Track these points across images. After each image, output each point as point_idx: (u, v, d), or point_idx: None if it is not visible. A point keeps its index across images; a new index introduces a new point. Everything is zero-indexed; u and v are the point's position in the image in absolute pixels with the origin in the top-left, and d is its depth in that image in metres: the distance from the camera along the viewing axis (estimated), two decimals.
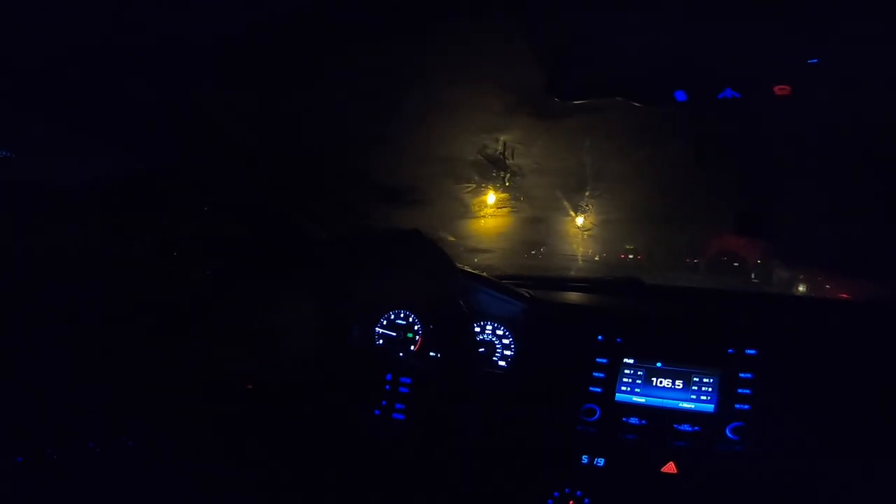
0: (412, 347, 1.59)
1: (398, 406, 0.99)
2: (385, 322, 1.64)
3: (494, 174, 1.63)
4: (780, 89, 0.73)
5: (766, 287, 1.70)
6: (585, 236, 1.88)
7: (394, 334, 1.62)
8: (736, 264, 1.83)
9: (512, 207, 1.79)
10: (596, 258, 1.99)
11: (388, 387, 1.01)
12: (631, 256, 2.03)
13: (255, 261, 1.35)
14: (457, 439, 0.96)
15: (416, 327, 1.61)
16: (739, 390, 1.16)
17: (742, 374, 1.17)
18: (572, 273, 1.91)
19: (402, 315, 1.63)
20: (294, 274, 1.13)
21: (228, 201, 1.37)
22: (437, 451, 0.95)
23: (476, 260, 1.82)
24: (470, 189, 1.70)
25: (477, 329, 1.56)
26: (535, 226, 1.92)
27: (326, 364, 1.08)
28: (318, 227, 1.45)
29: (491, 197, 1.76)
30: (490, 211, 1.79)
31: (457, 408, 0.99)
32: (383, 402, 1.00)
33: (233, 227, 1.44)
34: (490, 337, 1.54)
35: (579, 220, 1.83)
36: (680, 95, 0.78)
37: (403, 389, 1.00)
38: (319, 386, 1.03)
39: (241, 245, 1.39)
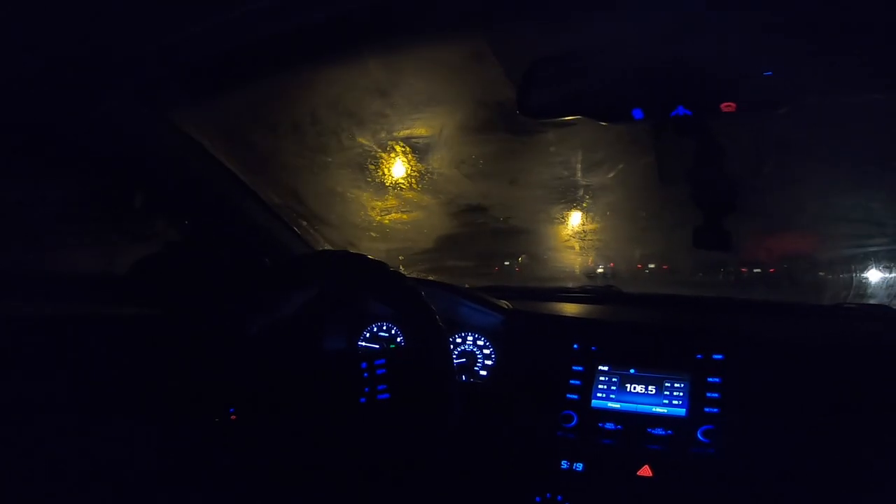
0: None
1: (381, 387, 1.01)
2: (368, 335, 1.66)
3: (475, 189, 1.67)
4: (727, 106, 0.78)
5: (734, 293, 1.76)
6: (565, 247, 1.92)
7: (377, 347, 1.64)
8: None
9: (491, 221, 1.83)
10: (583, 268, 2.03)
11: (366, 374, 1.04)
12: (652, 266, 2.05)
13: (233, 275, 1.37)
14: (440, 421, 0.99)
15: (398, 339, 1.63)
16: (709, 394, 1.19)
17: (710, 379, 1.20)
18: (550, 283, 1.95)
19: (384, 328, 1.66)
20: (272, 289, 1.15)
21: (208, 217, 1.40)
22: (424, 426, 0.97)
23: (455, 271, 1.85)
24: (449, 203, 1.73)
25: (458, 340, 1.59)
26: (515, 238, 1.96)
27: (310, 374, 1.09)
28: (301, 244, 1.49)
29: (468, 210, 1.80)
30: (468, 224, 1.83)
31: (438, 410, 1.02)
32: (366, 389, 1.02)
33: (212, 241, 1.46)
34: (471, 347, 1.57)
35: (559, 232, 1.88)
36: (637, 114, 0.83)
37: (381, 371, 1.03)
38: (305, 396, 1.04)
39: (220, 259, 1.41)
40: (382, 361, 1.02)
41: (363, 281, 1.06)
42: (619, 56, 0.83)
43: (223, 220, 1.41)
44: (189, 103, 1.15)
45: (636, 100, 0.81)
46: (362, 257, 1.07)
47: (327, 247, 1.63)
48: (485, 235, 1.88)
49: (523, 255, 2.22)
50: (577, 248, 1.91)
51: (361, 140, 1.40)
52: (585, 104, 0.86)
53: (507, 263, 2.13)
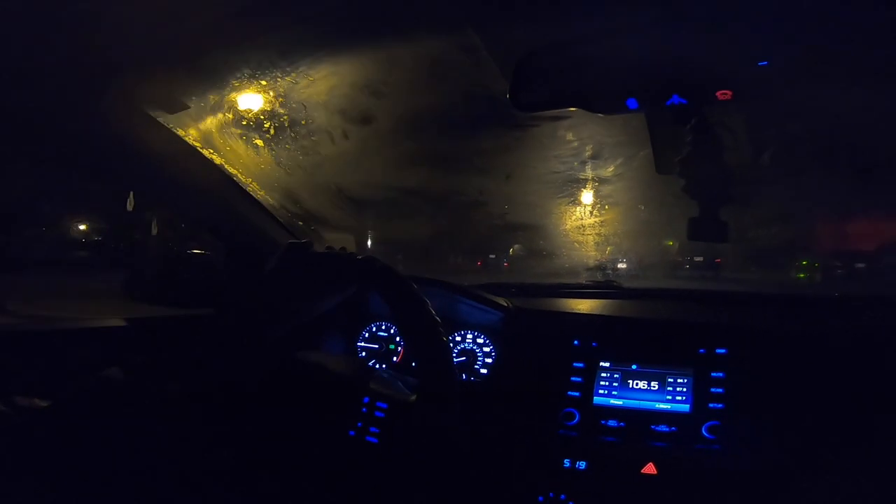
0: (395, 359, 1.61)
1: (372, 430, 0.98)
2: (367, 335, 1.65)
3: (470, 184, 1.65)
4: (722, 94, 0.76)
5: (736, 286, 1.73)
6: (564, 242, 1.90)
7: (376, 346, 1.63)
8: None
9: (488, 216, 1.81)
10: (576, 262, 2.01)
11: (364, 409, 1.01)
12: (699, 258, 1.99)
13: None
14: (433, 463, 0.97)
15: (397, 339, 1.62)
16: (713, 389, 1.17)
17: (714, 374, 1.18)
18: (551, 279, 1.93)
19: (382, 327, 1.64)
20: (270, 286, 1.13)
21: (204, 218, 1.39)
22: (411, 477, 0.95)
23: (454, 268, 1.83)
24: (443, 199, 1.71)
25: (458, 338, 1.58)
26: (513, 233, 1.94)
27: (304, 378, 1.07)
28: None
29: (464, 206, 1.78)
30: (465, 219, 1.81)
31: (436, 422, 1.00)
32: (359, 424, 0.99)
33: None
34: (471, 346, 1.56)
35: (557, 227, 1.86)
36: (632, 104, 0.81)
37: (379, 414, 1.00)
38: (296, 400, 1.02)
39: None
40: (385, 406, 0.99)
41: (379, 287, 1.01)
42: (612, 46, 0.81)
43: (219, 221, 1.40)
44: (179, 105, 1.14)
45: (631, 89, 0.79)
46: (388, 268, 1.02)
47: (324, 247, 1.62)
48: (484, 231, 1.86)
49: (514, 247, 2.20)
50: (578, 242, 1.89)
51: (354, 138, 1.38)
52: (579, 95, 0.84)
53: (492, 256, 2.11)
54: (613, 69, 0.81)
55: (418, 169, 1.53)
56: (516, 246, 2.23)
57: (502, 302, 1.51)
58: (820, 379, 1.14)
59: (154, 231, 1.42)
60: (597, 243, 1.88)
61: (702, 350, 1.21)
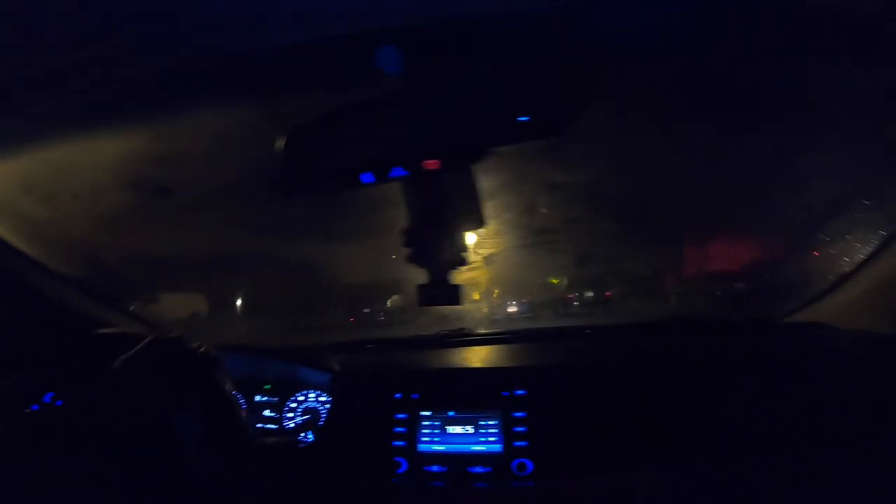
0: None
1: None
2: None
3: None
4: (431, 164, 0.81)
5: (536, 325, 1.86)
6: (389, 300, 1.96)
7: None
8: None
9: (321, 279, 1.83)
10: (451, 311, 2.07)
11: None
12: (589, 294, 2.10)
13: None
14: None
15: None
16: (518, 429, 1.25)
17: (517, 414, 1.27)
18: (378, 333, 1.96)
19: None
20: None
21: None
22: None
23: (324, 325, 1.80)
24: (270, 265, 1.71)
25: (301, 398, 1.57)
26: (375, 291, 1.97)
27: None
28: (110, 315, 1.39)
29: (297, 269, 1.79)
30: (299, 282, 1.81)
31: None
32: None
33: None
34: (314, 404, 1.56)
35: (398, 282, 1.91)
36: (366, 178, 0.84)
37: None
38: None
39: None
40: None
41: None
42: (356, 121, 0.85)
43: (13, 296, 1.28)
44: None
45: (365, 163, 0.83)
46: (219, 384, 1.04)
47: (134, 320, 1.51)
48: (317, 292, 1.86)
49: (393, 298, 2.24)
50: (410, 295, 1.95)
51: (154, 207, 1.35)
52: (339, 171, 0.87)
53: (366, 311, 2.12)
54: (356, 144, 0.85)
55: (229, 236, 1.52)
56: (395, 297, 2.26)
57: (333, 365, 1.53)
58: (616, 404, 1.24)
59: None
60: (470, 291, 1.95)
61: (505, 393, 1.30)
